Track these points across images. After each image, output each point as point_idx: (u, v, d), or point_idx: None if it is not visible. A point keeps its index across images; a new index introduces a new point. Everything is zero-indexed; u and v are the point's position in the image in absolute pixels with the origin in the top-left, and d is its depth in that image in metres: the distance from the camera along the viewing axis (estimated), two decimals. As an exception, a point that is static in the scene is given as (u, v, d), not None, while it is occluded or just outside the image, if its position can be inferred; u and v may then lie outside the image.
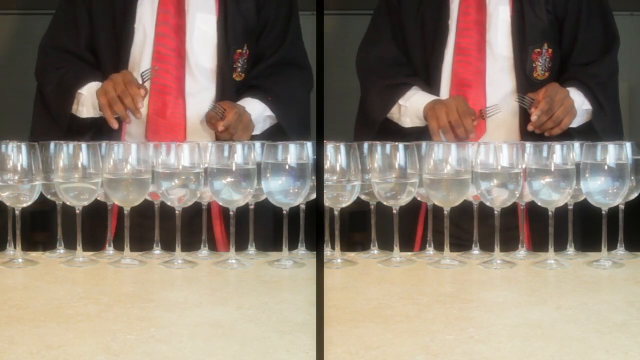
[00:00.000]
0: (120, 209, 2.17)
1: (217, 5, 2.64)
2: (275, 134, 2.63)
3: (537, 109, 2.46)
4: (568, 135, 2.58)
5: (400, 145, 2.06)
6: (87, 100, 2.56)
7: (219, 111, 2.50)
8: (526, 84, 2.59)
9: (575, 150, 2.04)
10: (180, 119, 2.58)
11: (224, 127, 2.48)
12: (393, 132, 2.63)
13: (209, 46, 2.63)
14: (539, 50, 2.60)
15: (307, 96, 2.77)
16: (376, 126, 2.67)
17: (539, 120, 2.47)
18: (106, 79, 2.52)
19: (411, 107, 2.62)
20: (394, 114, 2.66)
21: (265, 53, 2.71)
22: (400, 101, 2.64)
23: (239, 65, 2.64)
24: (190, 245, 2.17)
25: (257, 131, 2.62)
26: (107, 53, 2.63)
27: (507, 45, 2.61)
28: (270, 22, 2.71)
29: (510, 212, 2.13)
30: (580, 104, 2.56)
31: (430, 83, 2.63)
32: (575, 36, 2.64)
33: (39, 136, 2.40)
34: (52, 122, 2.60)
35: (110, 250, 2.13)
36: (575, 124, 2.56)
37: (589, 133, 2.58)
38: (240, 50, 2.64)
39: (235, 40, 2.63)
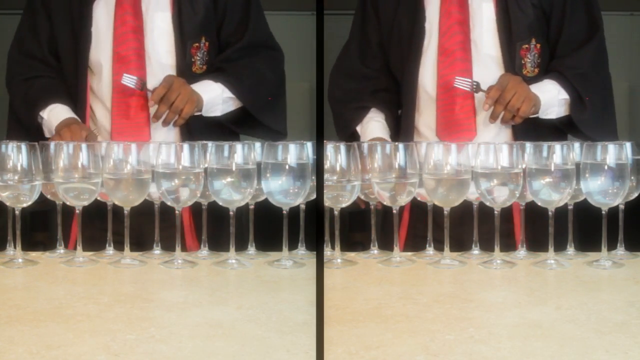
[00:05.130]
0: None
1: (172, 2, 2.65)
2: (243, 120, 2.67)
3: (487, 97, 2.46)
4: (548, 126, 2.56)
5: (400, 145, 2.06)
6: (46, 125, 2.61)
7: (137, 85, 2.54)
8: None
9: (575, 150, 2.04)
10: (144, 119, 2.59)
11: (154, 100, 2.51)
12: None
13: (167, 43, 2.64)
14: (527, 46, 2.57)
15: (276, 75, 2.78)
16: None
17: (494, 111, 2.46)
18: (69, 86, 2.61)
19: (363, 135, 2.64)
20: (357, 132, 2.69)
21: (230, 41, 2.72)
22: (357, 128, 2.66)
23: (198, 58, 2.65)
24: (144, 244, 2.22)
25: (217, 112, 2.65)
26: (67, 57, 2.66)
27: (494, 44, 2.57)
28: (230, 10, 2.71)
29: (507, 217, 2.14)
30: (555, 93, 2.53)
31: (409, 87, 2.61)
32: (561, 29, 2.60)
33: (15, 139, 2.44)
34: (25, 129, 2.66)
35: (110, 250, 2.13)
36: (554, 114, 2.53)
37: (573, 125, 2.56)
38: (197, 44, 2.65)
39: (191, 35, 2.64)
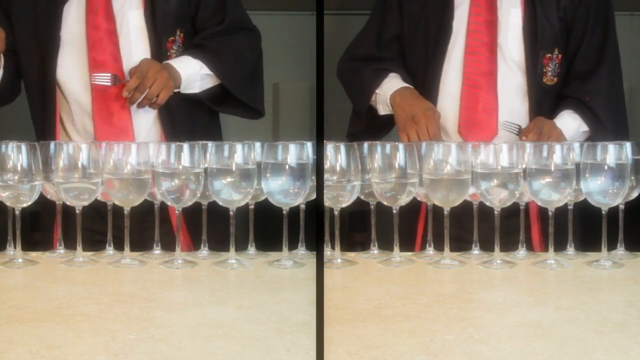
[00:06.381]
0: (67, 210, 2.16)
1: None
2: (222, 98, 2.68)
3: (527, 137, 2.46)
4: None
5: (400, 145, 2.06)
6: None
7: (111, 80, 2.52)
8: (537, 88, 2.59)
9: (575, 150, 2.04)
10: (127, 121, 2.57)
11: (127, 91, 2.48)
12: (381, 122, 2.67)
13: (142, 41, 2.62)
14: (550, 55, 2.60)
15: (253, 56, 2.78)
16: (363, 116, 2.71)
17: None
18: (29, 89, 2.55)
19: (383, 94, 2.64)
20: (373, 102, 2.69)
21: (207, 25, 2.70)
22: (377, 90, 2.66)
23: (174, 51, 2.64)
24: (144, 243, 2.22)
25: (195, 89, 2.64)
26: (31, 60, 2.61)
27: (519, 49, 2.60)
28: (203, 1, 2.69)
29: (514, 214, 2.14)
30: (577, 127, 2.56)
31: (431, 84, 2.63)
32: (580, 43, 2.64)
33: None
34: None
35: (110, 250, 2.13)
36: None
37: None
38: (172, 38, 2.64)
39: (166, 30, 2.63)
